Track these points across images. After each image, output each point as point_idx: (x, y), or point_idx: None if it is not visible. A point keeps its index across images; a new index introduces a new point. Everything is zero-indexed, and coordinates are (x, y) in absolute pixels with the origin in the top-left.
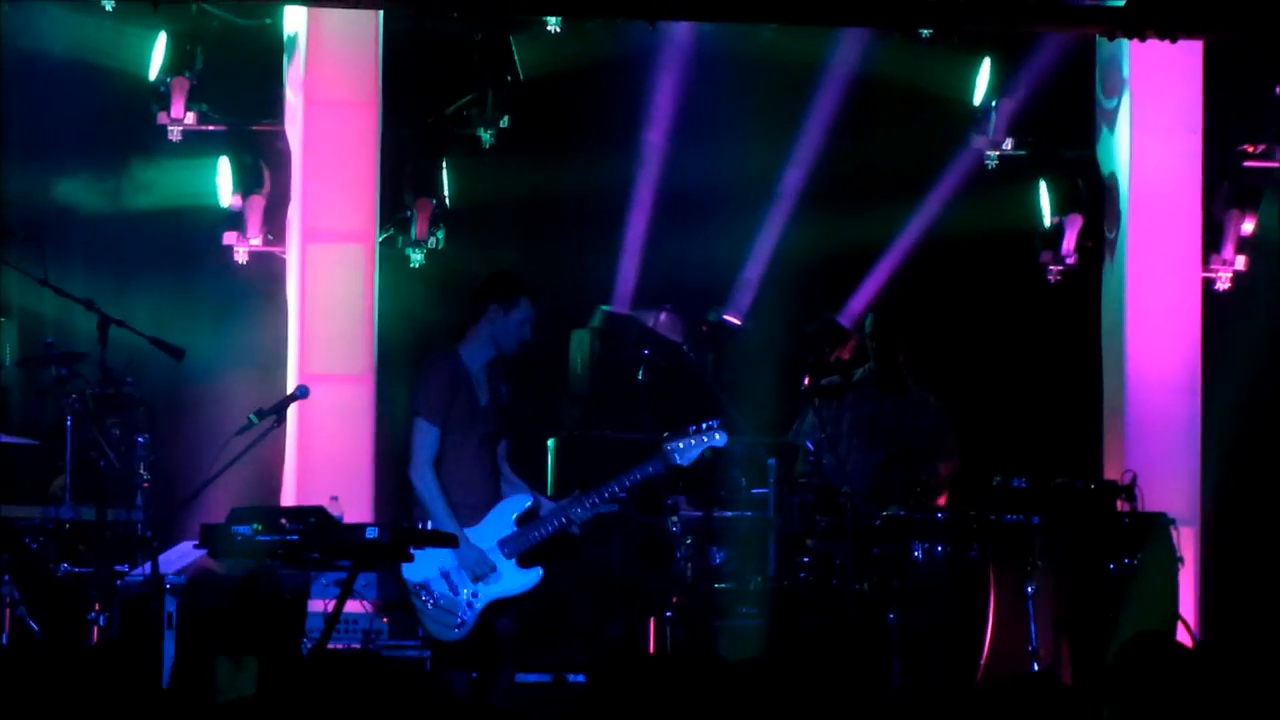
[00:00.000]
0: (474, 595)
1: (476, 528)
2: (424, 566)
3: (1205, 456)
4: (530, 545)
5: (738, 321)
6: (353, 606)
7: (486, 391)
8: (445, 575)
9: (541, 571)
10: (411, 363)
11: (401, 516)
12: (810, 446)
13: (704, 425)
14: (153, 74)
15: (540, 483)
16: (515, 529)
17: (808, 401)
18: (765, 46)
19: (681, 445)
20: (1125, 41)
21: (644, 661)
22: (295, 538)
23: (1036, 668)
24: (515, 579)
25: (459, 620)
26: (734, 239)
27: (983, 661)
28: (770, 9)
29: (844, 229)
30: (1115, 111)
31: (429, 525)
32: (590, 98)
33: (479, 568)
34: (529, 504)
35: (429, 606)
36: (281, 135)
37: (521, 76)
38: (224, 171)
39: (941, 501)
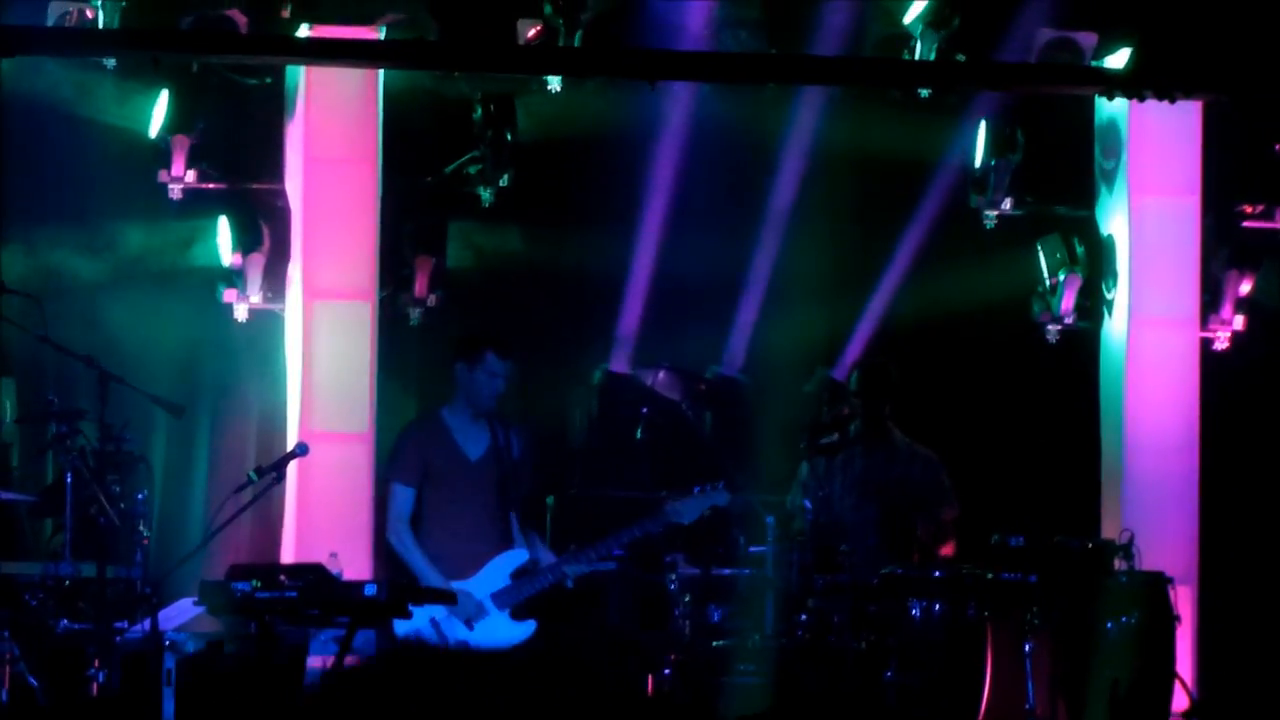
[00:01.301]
0: (464, 646)
1: (471, 580)
2: (414, 617)
3: (1203, 516)
4: (524, 599)
5: (739, 378)
6: (351, 662)
7: (483, 444)
8: (435, 625)
9: (534, 625)
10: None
11: (399, 574)
12: (808, 505)
13: (707, 486)
14: (154, 132)
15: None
16: (509, 582)
17: (804, 460)
18: (760, 119)
19: (682, 506)
20: (1124, 102)
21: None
22: (294, 594)
23: None
24: (507, 631)
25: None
26: (734, 302)
27: (980, 719)
28: (768, 70)
29: (844, 288)
30: (1114, 171)
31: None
32: (589, 160)
33: (472, 611)
34: (525, 559)
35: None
36: (281, 193)
37: (520, 139)
38: (223, 230)
39: (949, 549)
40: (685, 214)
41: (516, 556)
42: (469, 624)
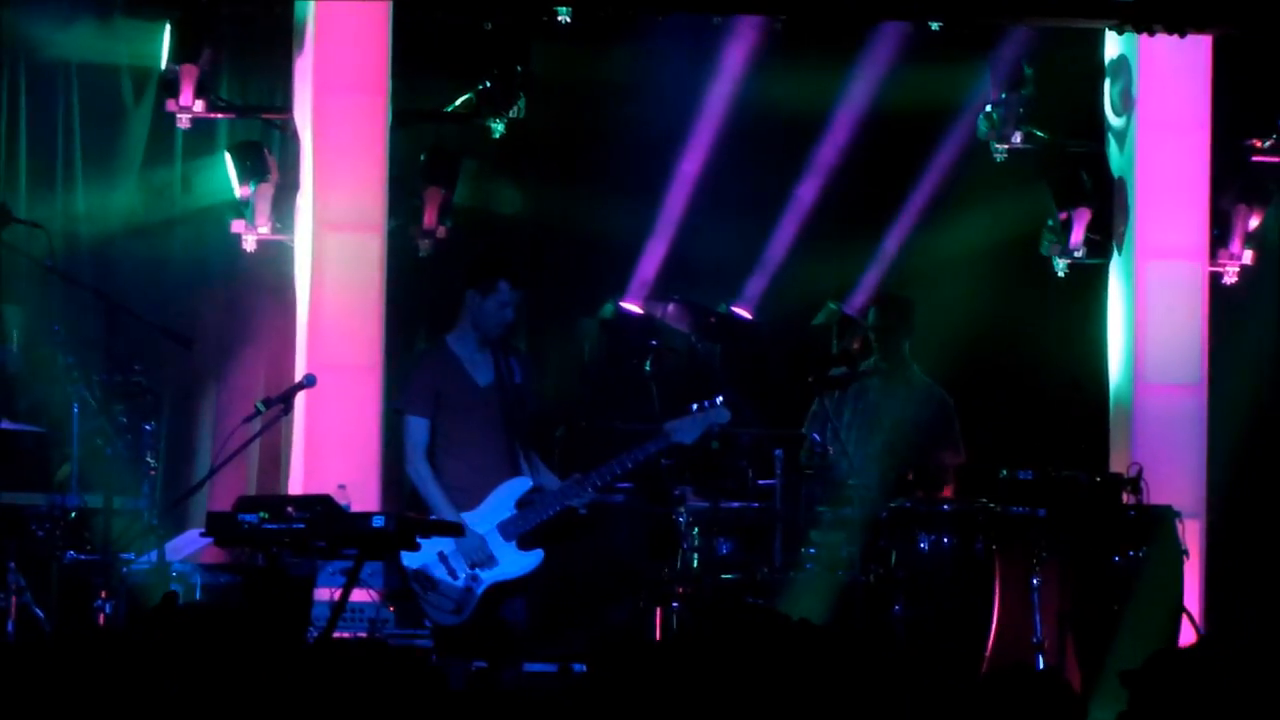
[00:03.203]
0: (474, 579)
1: (476, 511)
2: (422, 552)
3: (1211, 450)
4: (530, 528)
5: (748, 315)
6: (359, 595)
7: (489, 371)
8: (444, 559)
9: (542, 554)
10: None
11: (408, 506)
12: (816, 438)
13: (705, 404)
14: (163, 62)
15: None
16: (515, 512)
17: (816, 393)
18: (775, 70)
19: (681, 425)
20: (1134, 37)
21: (646, 650)
22: (302, 526)
23: (1041, 660)
24: (515, 562)
25: (458, 604)
26: (749, 234)
27: (987, 653)
28: (778, 4)
29: (855, 224)
30: (1123, 106)
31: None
32: (608, 104)
33: (476, 553)
34: (528, 487)
35: (428, 592)
36: (290, 124)
37: (536, 74)
38: (231, 160)
39: (947, 493)
40: (701, 160)
41: (520, 485)
42: (474, 561)
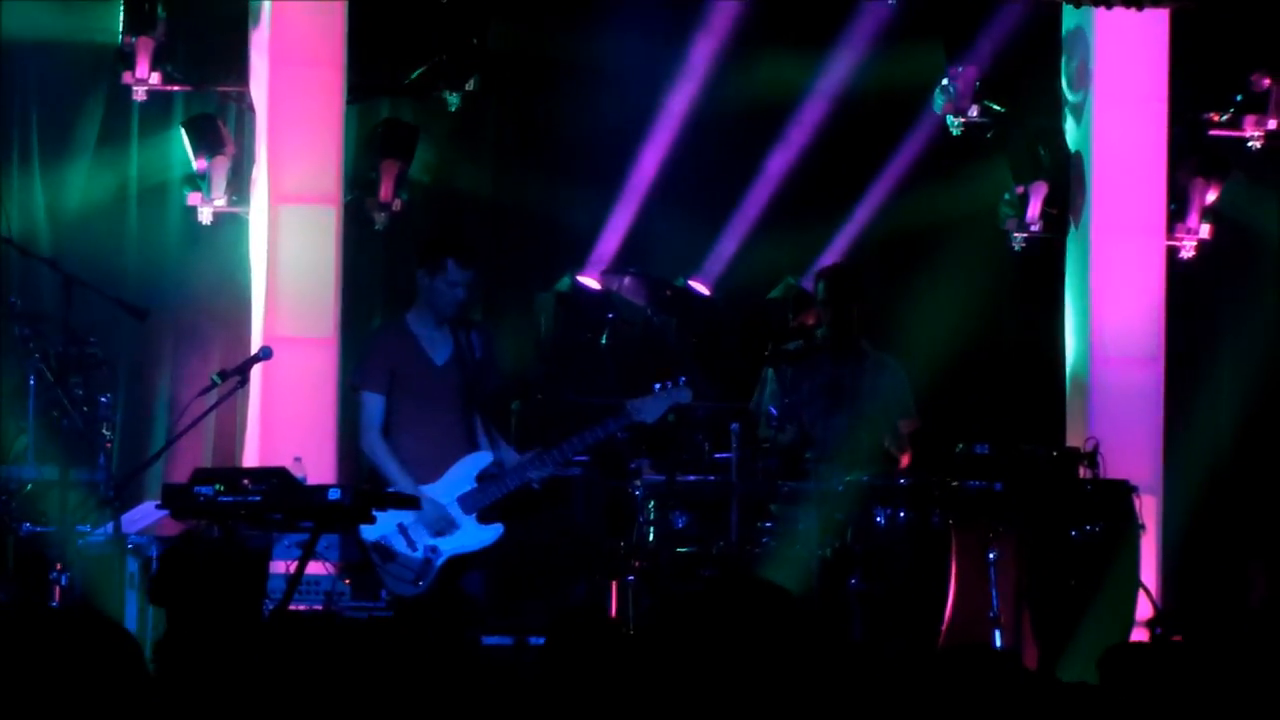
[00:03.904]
0: (433, 551)
1: (436, 484)
2: (381, 523)
3: (1167, 424)
4: (490, 502)
5: (705, 291)
6: (315, 568)
7: (447, 348)
8: (403, 530)
9: (502, 528)
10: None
11: (364, 479)
12: (774, 411)
13: (669, 384)
14: (119, 37)
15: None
16: (474, 485)
17: (770, 366)
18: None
19: (643, 405)
20: (1092, 10)
21: (603, 624)
22: (258, 499)
23: (998, 634)
24: (474, 535)
25: (418, 575)
26: (709, 211)
27: (944, 627)
28: None
29: (816, 202)
30: (1080, 80)
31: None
32: (559, 65)
33: (438, 524)
34: (489, 461)
35: (387, 563)
36: (246, 96)
37: (492, 48)
38: (187, 133)
39: (905, 461)
40: (663, 138)
41: (481, 459)
42: (436, 530)
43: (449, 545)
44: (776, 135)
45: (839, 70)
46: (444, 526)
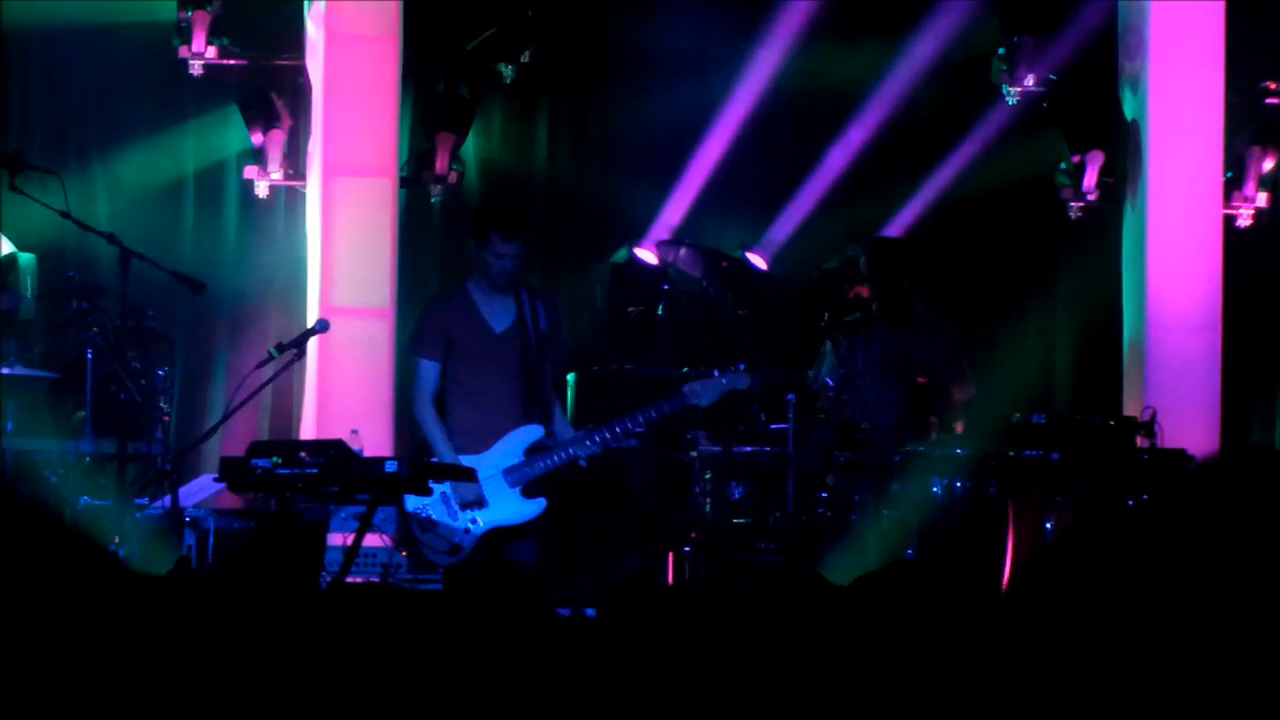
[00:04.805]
0: (473, 521)
1: (483, 455)
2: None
3: (1225, 393)
4: (535, 476)
5: (763, 265)
6: (372, 540)
7: (509, 316)
8: (445, 499)
9: (545, 503)
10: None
11: (420, 450)
12: (830, 383)
13: (728, 369)
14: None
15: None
16: (522, 459)
17: (826, 338)
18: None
19: (701, 388)
20: None
21: (656, 594)
22: (314, 471)
23: None
24: (515, 508)
25: (454, 545)
26: (764, 187)
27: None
28: None
29: (873, 170)
30: (1137, 48)
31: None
32: (614, 43)
33: (467, 497)
34: (539, 435)
35: (425, 533)
36: (303, 69)
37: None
38: (244, 107)
39: (960, 429)
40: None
41: (532, 432)
42: (468, 503)
43: (488, 517)
44: (836, 113)
45: (903, 47)
46: (472, 499)
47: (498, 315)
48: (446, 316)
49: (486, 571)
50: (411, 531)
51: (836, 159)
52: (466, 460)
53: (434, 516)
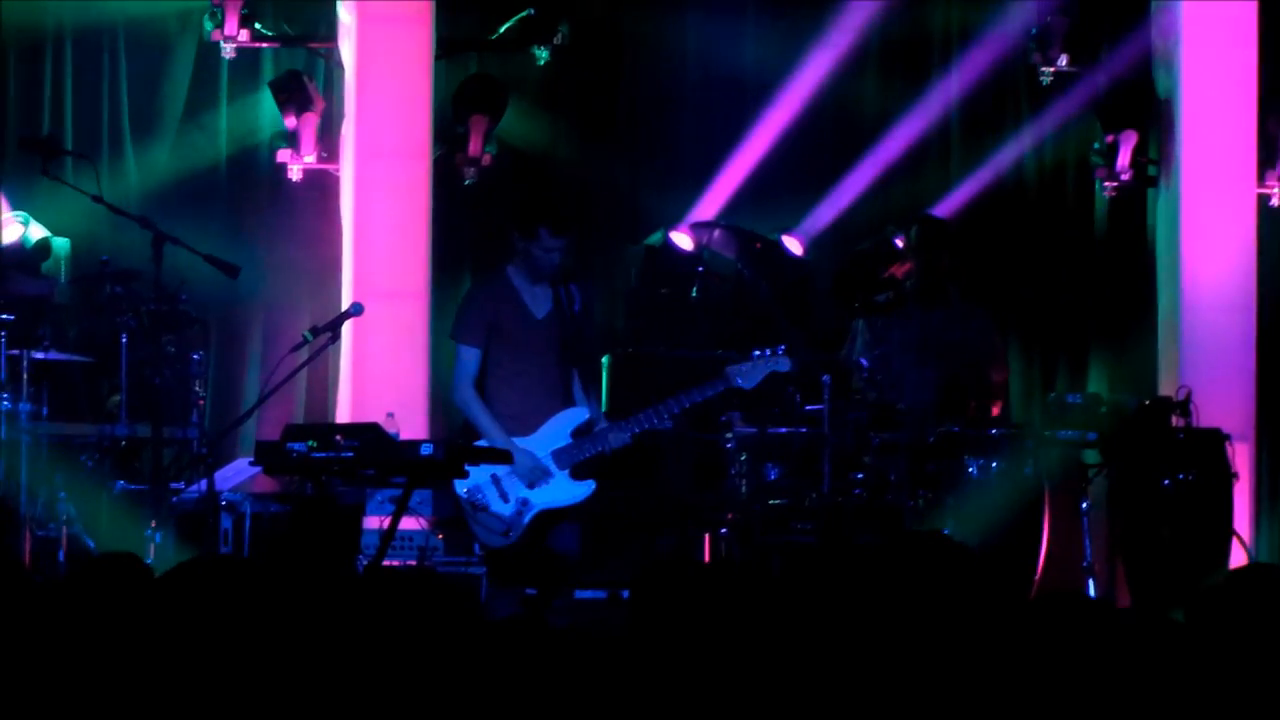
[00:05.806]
0: (524, 504)
1: (531, 437)
2: (474, 475)
3: (1260, 372)
4: (583, 458)
5: (798, 250)
6: (408, 523)
7: (548, 302)
8: (496, 481)
9: (594, 485)
10: (465, 280)
11: (457, 433)
12: (865, 363)
13: (767, 351)
14: None
15: None
16: (569, 440)
17: (860, 318)
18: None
19: (745, 369)
20: None
21: (690, 573)
22: (350, 454)
23: (1092, 583)
24: (567, 490)
25: (507, 527)
26: (800, 172)
27: (1037, 578)
28: None
29: (909, 154)
30: (1169, 27)
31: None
32: (656, 18)
33: (532, 475)
34: (585, 417)
35: (478, 513)
36: (335, 52)
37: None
38: (277, 91)
39: (996, 410)
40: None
41: (577, 414)
42: (529, 483)
43: (541, 499)
44: (875, 97)
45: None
46: (538, 478)
47: (538, 301)
48: (490, 303)
49: (527, 560)
50: (464, 512)
51: (873, 144)
52: (516, 444)
53: (485, 499)
